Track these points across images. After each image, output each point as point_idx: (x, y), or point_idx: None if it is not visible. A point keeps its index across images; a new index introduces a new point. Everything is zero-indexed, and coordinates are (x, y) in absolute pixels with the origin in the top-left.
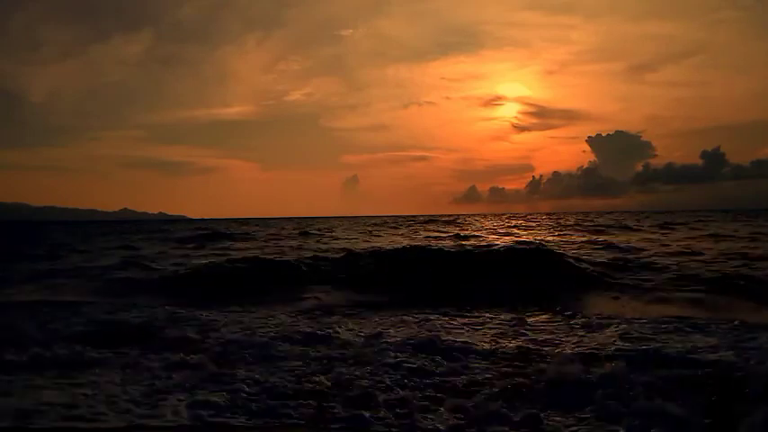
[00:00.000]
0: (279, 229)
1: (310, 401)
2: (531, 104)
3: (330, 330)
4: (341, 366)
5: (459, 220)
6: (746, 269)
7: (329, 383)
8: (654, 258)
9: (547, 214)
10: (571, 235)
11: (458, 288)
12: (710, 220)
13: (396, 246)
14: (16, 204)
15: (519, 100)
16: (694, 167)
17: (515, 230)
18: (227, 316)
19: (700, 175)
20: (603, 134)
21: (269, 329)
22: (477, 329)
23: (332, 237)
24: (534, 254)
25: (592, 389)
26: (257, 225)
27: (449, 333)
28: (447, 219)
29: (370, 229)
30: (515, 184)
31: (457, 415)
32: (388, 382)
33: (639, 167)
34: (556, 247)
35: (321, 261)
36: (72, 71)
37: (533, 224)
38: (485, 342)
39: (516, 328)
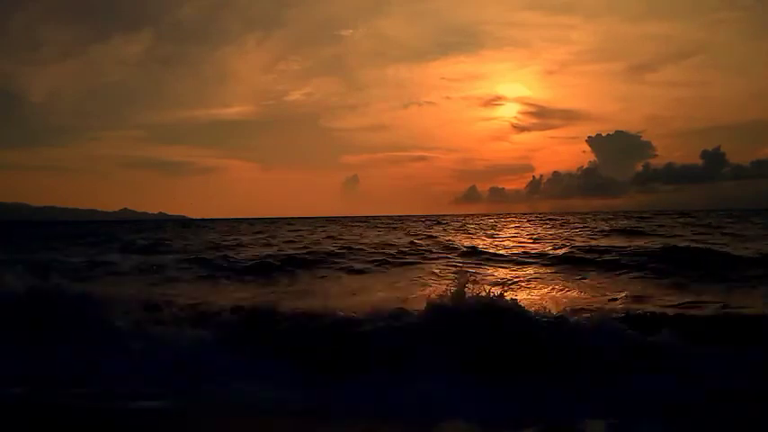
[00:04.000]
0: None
1: None
2: (531, 104)
3: None
4: None
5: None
6: None
7: None
8: None
9: (543, 213)
10: None
11: None
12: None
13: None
14: (16, 204)
15: (519, 100)
16: (694, 167)
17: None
18: None
19: (700, 175)
20: (603, 134)
21: None
22: None
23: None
24: None
25: None
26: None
27: None
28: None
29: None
30: (515, 184)
31: None
32: None
33: (639, 167)
34: None
35: None
36: (72, 71)
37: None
38: None
39: None
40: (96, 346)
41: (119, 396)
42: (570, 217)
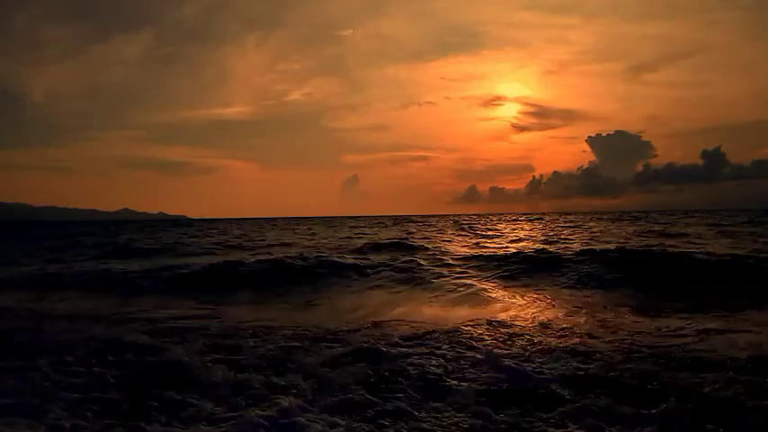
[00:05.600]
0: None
1: None
2: (531, 104)
3: None
4: None
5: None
6: None
7: None
8: None
9: (543, 213)
10: None
11: None
12: None
13: None
14: (16, 204)
15: (519, 100)
16: (694, 167)
17: None
18: None
19: (700, 175)
20: (603, 134)
21: None
22: None
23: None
24: None
25: None
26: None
27: None
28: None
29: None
30: (515, 184)
31: None
32: None
33: (639, 167)
34: None
35: None
36: (72, 71)
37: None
38: None
39: None
40: None
41: None
42: (573, 217)
